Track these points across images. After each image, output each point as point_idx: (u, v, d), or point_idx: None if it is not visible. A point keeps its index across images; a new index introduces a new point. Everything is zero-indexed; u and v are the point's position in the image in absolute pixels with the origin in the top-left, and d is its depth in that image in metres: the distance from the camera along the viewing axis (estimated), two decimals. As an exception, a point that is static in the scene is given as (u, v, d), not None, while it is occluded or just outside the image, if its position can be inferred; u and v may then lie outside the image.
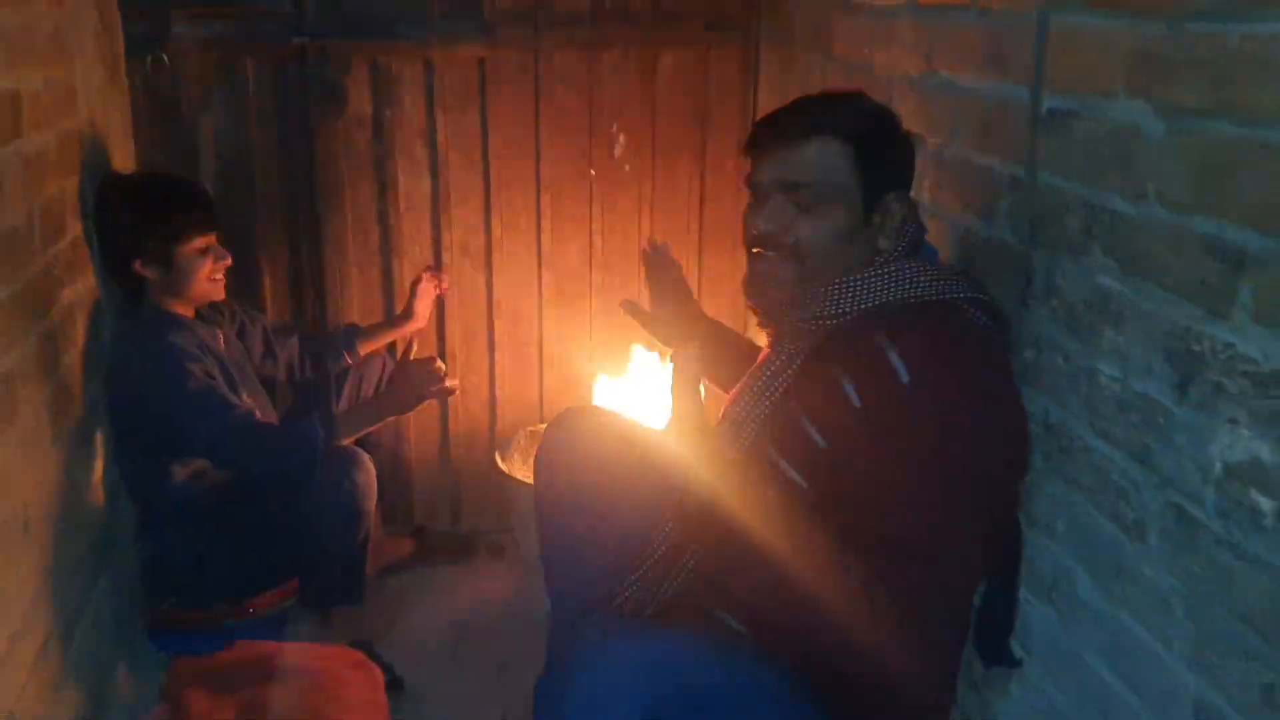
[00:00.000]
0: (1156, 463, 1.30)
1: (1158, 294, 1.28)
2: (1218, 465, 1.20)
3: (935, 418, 1.41)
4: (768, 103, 2.80)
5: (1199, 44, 1.19)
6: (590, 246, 2.92)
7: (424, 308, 2.71)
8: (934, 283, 1.51)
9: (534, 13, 2.71)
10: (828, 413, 1.48)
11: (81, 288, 2.14)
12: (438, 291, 2.75)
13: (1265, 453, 1.12)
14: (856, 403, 1.44)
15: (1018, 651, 1.66)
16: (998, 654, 1.66)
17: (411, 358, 2.44)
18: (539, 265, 2.91)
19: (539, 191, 2.85)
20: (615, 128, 2.84)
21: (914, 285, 1.50)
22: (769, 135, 1.60)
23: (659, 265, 2.04)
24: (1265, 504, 1.12)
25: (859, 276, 1.52)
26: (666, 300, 2.02)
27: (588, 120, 2.82)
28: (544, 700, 1.63)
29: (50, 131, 1.97)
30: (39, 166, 1.90)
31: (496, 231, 2.86)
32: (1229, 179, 1.16)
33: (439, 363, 2.40)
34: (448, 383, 2.37)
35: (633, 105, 2.84)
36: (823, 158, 1.54)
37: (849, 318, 1.51)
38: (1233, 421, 1.16)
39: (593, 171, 2.86)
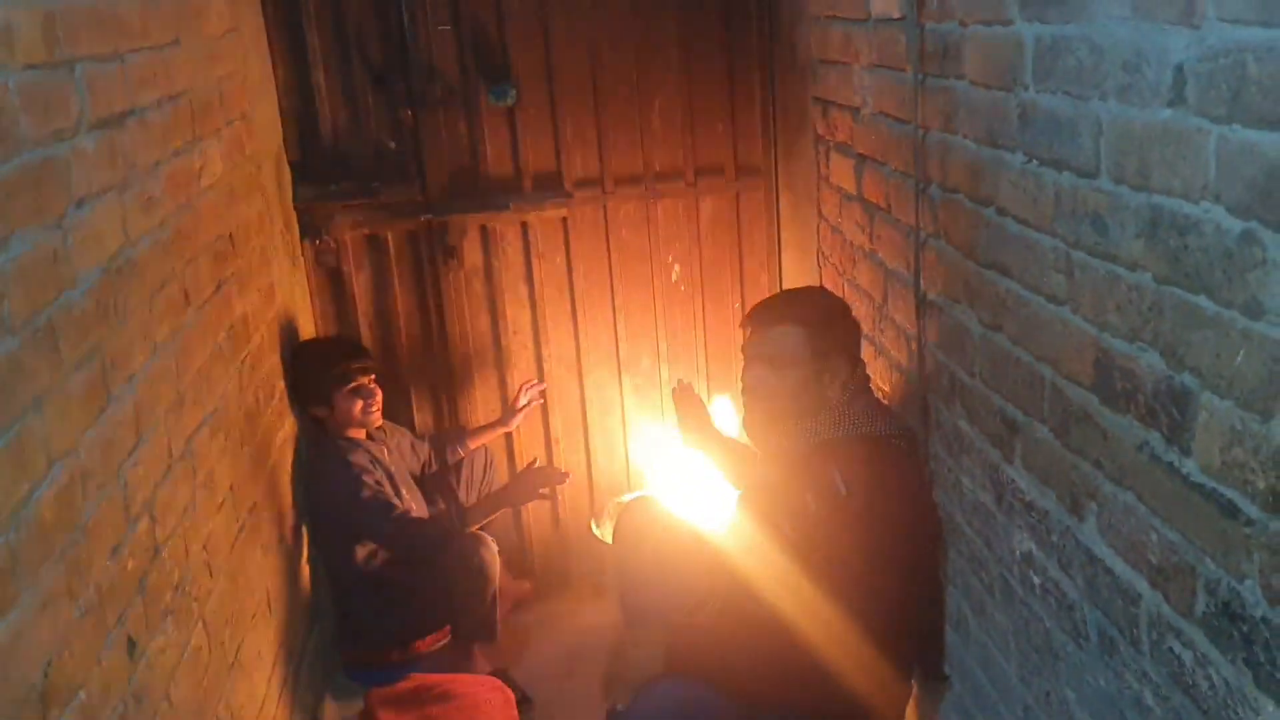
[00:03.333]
0: (992, 548, 2.01)
1: (981, 440, 2.00)
2: (1016, 552, 1.90)
3: (864, 517, 2.14)
4: (787, 229, 3.53)
5: (982, 293, 1.91)
6: (657, 351, 3.68)
7: (518, 413, 3.50)
8: (869, 423, 2.24)
9: (601, 179, 3.49)
10: (795, 510, 2.22)
11: (288, 427, 3.00)
12: (538, 399, 3.54)
13: (1034, 547, 1.82)
14: (813, 508, 2.17)
15: (947, 670, 2.37)
16: (937, 671, 2.37)
17: (532, 465, 3.26)
18: (619, 368, 3.68)
19: (614, 311, 3.62)
20: (670, 258, 3.61)
21: (855, 426, 2.23)
22: (753, 321, 2.35)
23: (684, 397, 2.79)
24: (1036, 578, 1.83)
25: (813, 423, 2.25)
26: (690, 422, 2.78)
27: (648, 255, 3.58)
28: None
29: (262, 326, 2.82)
30: (258, 355, 2.75)
31: (584, 345, 3.64)
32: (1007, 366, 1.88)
33: (555, 472, 3.16)
34: (549, 491, 3.12)
35: (683, 240, 3.59)
36: (784, 337, 2.28)
37: (810, 448, 2.24)
38: (1019, 527, 1.87)
39: (655, 294, 3.63)
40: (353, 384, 3.09)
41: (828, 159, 2.95)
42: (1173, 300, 1.31)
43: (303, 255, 3.38)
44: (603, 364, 3.68)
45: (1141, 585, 1.45)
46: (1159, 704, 1.44)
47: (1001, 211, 1.80)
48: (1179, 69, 1.25)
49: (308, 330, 3.36)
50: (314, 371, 3.09)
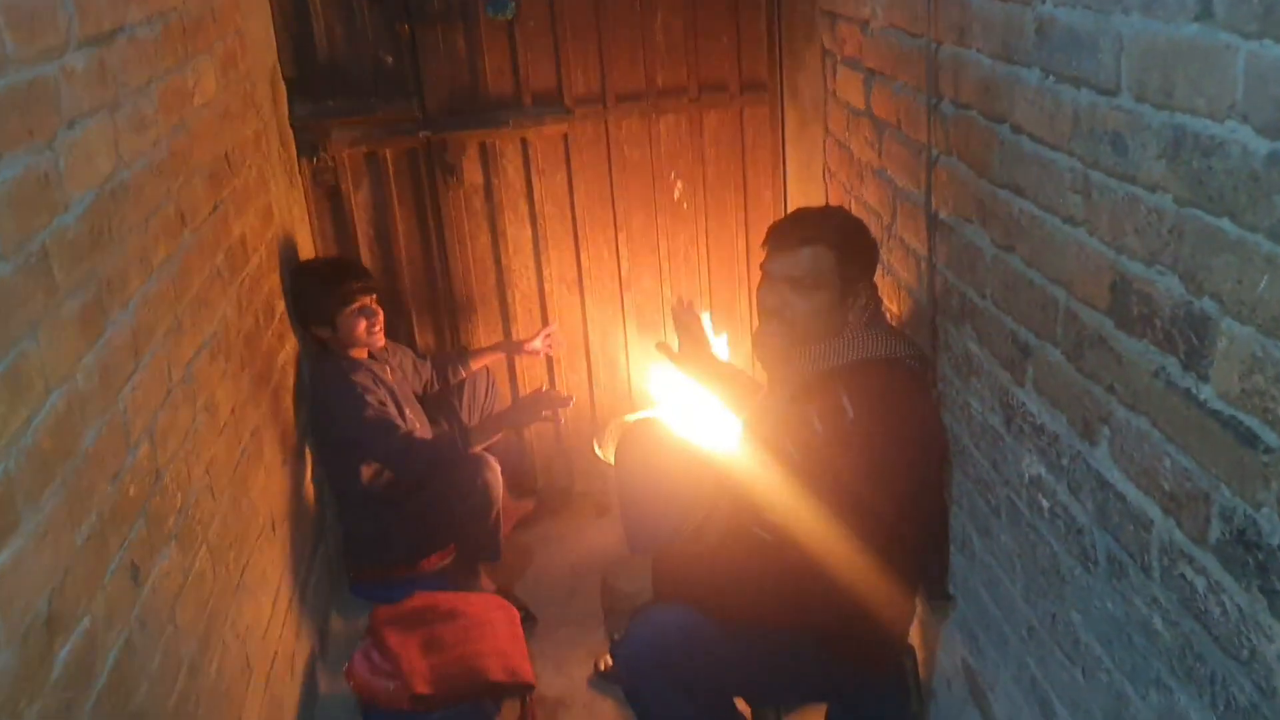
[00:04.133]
0: (1000, 470, 2.00)
1: (992, 362, 1.97)
2: (1025, 475, 1.89)
3: (870, 438, 2.12)
4: (792, 146, 3.46)
5: (994, 214, 1.87)
6: (660, 270, 3.64)
7: (524, 351, 3.49)
8: (882, 346, 2.20)
9: (602, 95, 3.42)
10: (801, 435, 2.20)
11: (289, 349, 2.98)
12: (548, 350, 3.53)
13: (1043, 471, 1.81)
14: (819, 431, 2.15)
15: (952, 589, 2.37)
16: (942, 591, 2.38)
17: (542, 390, 3.24)
18: (620, 288, 3.64)
19: (616, 230, 3.58)
20: (673, 175, 3.55)
21: (865, 349, 2.19)
22: (777, 240, 2.26)
23: (685, 318, 2.74)
24: (1044, 502, 1.82)
25: (826, 347, 2.21)
26: (689, 345, 2.74)
27: (651, 172, 3.53)
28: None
29: (261, 247, 2.78)
30: (257, 276, 2.71)
31: (585, 264, 3.60)
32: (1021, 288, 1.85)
33: (559, 396, 3.14)
34: (552, 414, 3.10)
35: (686, 156, 3.53)
36: (814, 259, 2.21)
37: (821, 373, 2.22)
38: (1029, 450, 1.86)
39: (657, 212, 3.58)
40: (356, 304, 3.06)
41: (835, 74, 2.88)
42: (1194, 223, 1.28)
43: (300, 174, 3.33)
44: (604, 284, 3.64)
45: (1154, 511, 1.44)
46: (1168, 629, 1.44)
47: (1016, 129, 1.76)
48: (1208, -20, 1.20)
49: (307, 250, 3.32)
50: (316, 292, 3.06)
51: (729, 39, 3.44)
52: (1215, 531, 1.30)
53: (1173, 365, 1.36)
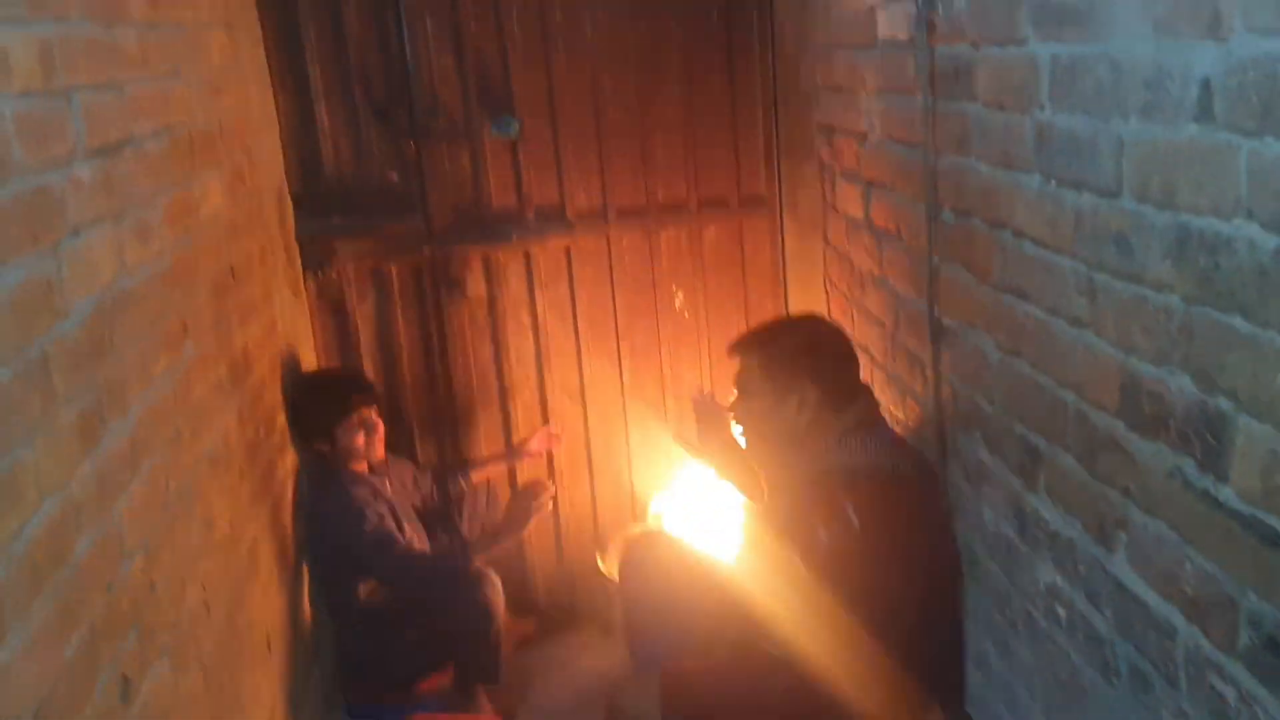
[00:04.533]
0: (1015, 581, 1.95)
1: (1002, 469, 1.94)
2: (1041, 585, 1.84)
3: (878, 550, 2.08)
4: (792, 257, 3.49)
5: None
6: (662, 380, 3.63)
7: (525, 454, 3.48)
8: (876, 455, 2.17)
9: (604, 209, 3.46)
10: (805, 544, 2.15)
11: (289, 462, 2.94)
12: (549, 446, 3.51)
13: (1060, 579, 1.76)
14: (825, 541, 2.11)
15: (968, 709, 2.30)
16: (958, 710, 2.31)
17: (520, 486, 3.20)
18: (623, 397, 3.63)
19: (618, 341, 3.58)
20: (674, 287, 3.57)
21: (852, 455, 2.15)
22: (731, 352, 2.33)
23: (706, 405, 2.71)
24: (1062, 612, 1.77)
25: (807, 451, 2.18)
26: (709, 432, 2.70)
27: (652, 284, 3.55)
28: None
29: (264, 359, 2.77)
30: (259, 388, 2.70)
31: (587, 374, 3.60)
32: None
33: (543, 482, 3.11)
34: (542, 502, 3.07)
35: (687, 269, 3.56)
36: (743, 368, 2.28)
37: (813, 477, 2.18)
38: (1044, 559, 1.81)
39: (659, 323, 3.58)
40: (355, 416, 3.04)
41: (833, 186, 2.91)
42: (1204, 321, 1.27)
43: (305, 288, 3.34)
44: (606, 394, 3.63)
45: (1177, 619, 1.40)
46: (1198, 743, 1.38)
47: (1019, 234, 1.76)
48: (1205, 84, 1.22)
49: (310, 363, 3.31)
50: (316, 404, 3.04)
51: (728, 154, 3.49)
52: (1244, 639, 1.26)
53: (1189, 466, 1.33)
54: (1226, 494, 1.26)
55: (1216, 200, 1.22)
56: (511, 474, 3.60)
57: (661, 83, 3.41)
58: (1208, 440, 1.29)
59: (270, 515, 2.66)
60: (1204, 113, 1.22)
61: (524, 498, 3.15)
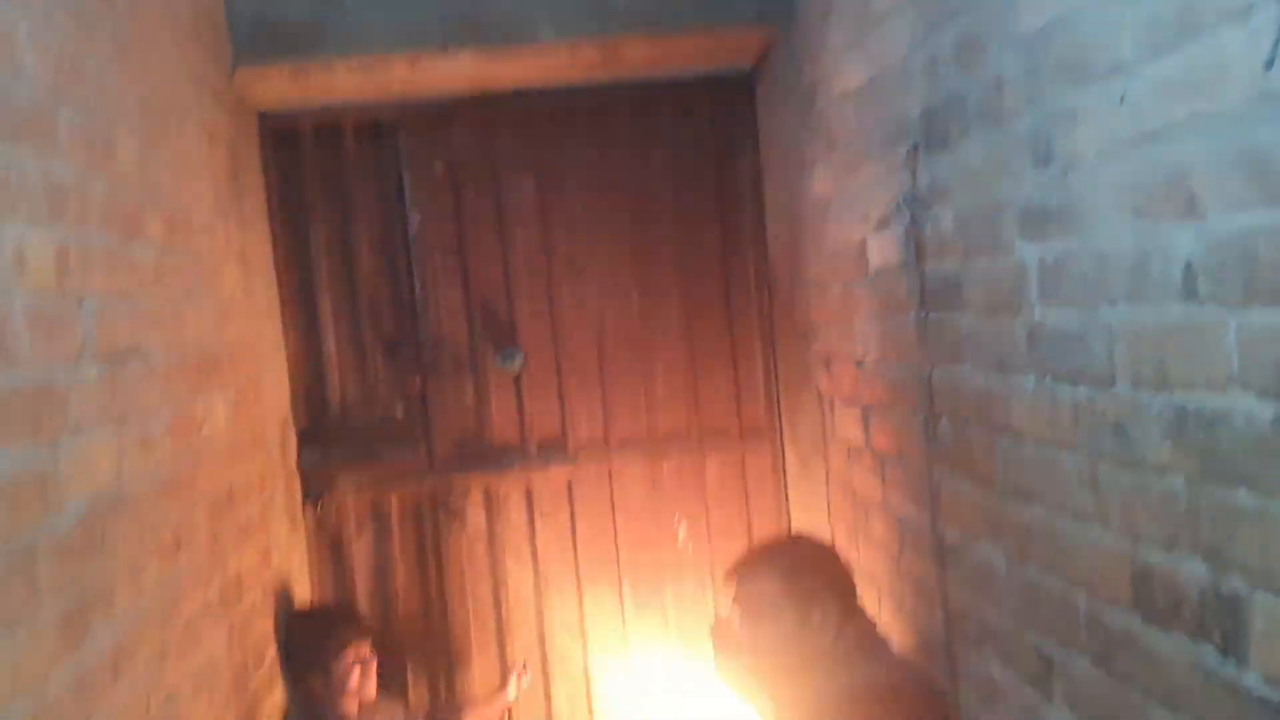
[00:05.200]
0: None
1: (1016, 683, 1.86)
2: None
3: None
4: (795, 488, 3.48)
5: (1003, 522, 1.84)
6: (665, 619, 3.54)
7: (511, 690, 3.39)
8: (879, 672, 2.10)
9: (605, 441, 3.48)
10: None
11: (277, 697, 2.83)
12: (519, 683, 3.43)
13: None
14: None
15: None
16: None
17: None
18: (625, 635, 3.53)
19: (620, 574, 3.51)
20: (677, 517, 3.54)
21: (864, 676, 2.09)
22: (731, 576, 2.29)
23: (725, 636, 2.60)
24: None
25: (812, 676, 2.11)
26: (731, 664, 2.58)
27: (654, 517, 3.52)
28: None
29: (257, 588, 2.72)
30: (250, 616, 2.63)
31: (588, 609, 3.51)
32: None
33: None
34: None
35: (690, 501, 3.54)
36: (758, 589, 2.20)
37: (825, 705, 2.09)
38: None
39: (661, 557, 3.53)
40: (351, 652, 2.94)
41: (833, 414, 2.94)
42: (1209, 499, 1.25)
43: (304, 519, 3.32)
44: (607, 630, 3.52)
45: (1208, 821, 1.31)
46: None
47: (1018, 436, 1.77)
48: (1188, 265, 1.25)
49: (304, 597, 3.24)
50: (311, 638, 2.94)
51: (728, 386, 3.55)
52: (1280, 835, 1.17)
53: (1209, 654, 1.28)
54: (1251, 679, 1.20)
55: (1209, 375, 1.23)
56: (507, 716, 3.45)
57: (662, 319, 3.51)
58: (1225, 623, 1.24)
59: (253, 753, 2.53)
60: (1189, 291, 1.25)
61: None
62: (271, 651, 2.83)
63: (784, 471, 3.53)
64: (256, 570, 2.71)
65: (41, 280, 1.51)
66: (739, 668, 2.46)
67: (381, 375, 3.39)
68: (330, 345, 3.33)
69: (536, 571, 3.49)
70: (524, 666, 3.43)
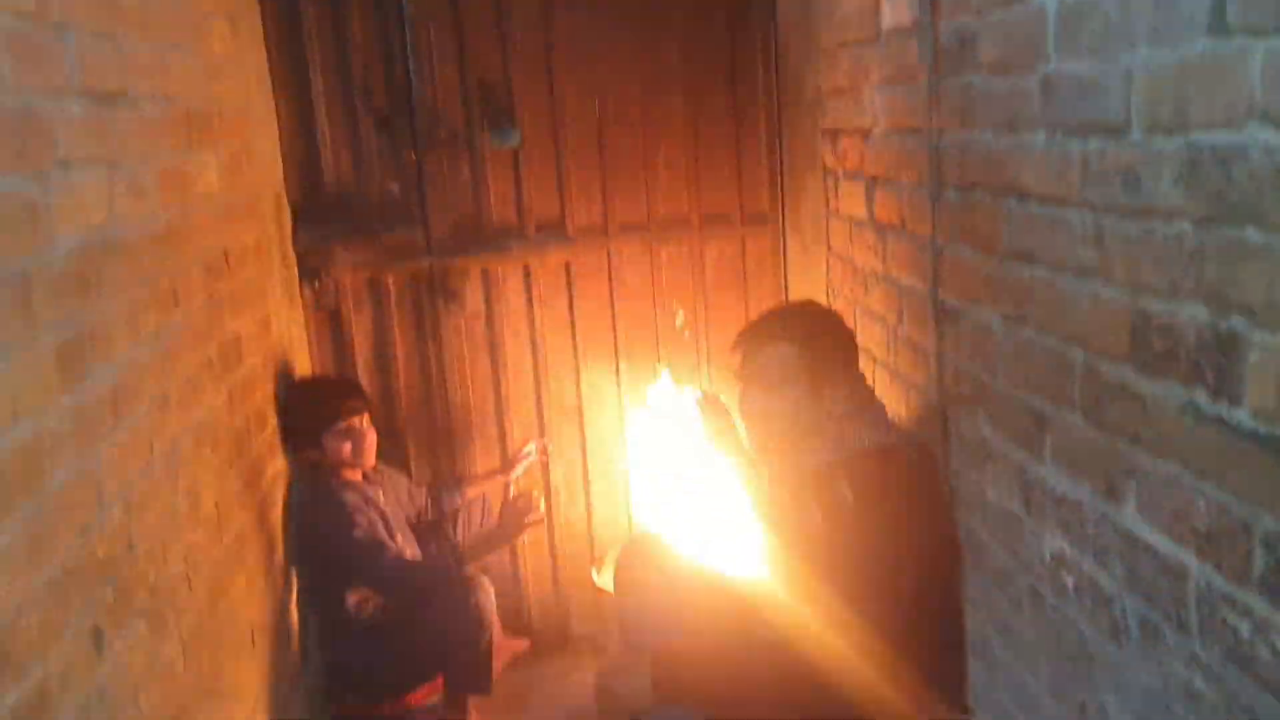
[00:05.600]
0: (1019, 557, 1.89)
1: (1007, 443, 1.90)
2: (1047, 555, 1.79)
3: (873, 525, 2.03)
4: (795, 274, 3.47)
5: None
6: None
7: (518, 464, 3.45)
8: (875, 435, 2.14)
9: (605, 224, 3.45)
10: (803, 530, 2.10)
11: (280, 464, 2.89)
12: (541, 456, 3.47)
13: (1066, 546, 1.71)
14: (822, 524, 2.06)
15: (970, 702, 2.22)
16: (960, 703, 2.23)
17: (511, 496, 3.14)
18: (621, 417, 3.58)
19: (617, 357, 3.54)
20: (675, 304, 3.54)
21: (859, 439, 2.13)
22: (741, 343, 2.26)
23: (711, 405, 2.64)
24: (1069, 579, 1.71)
25: (817, 440, 2.14)
26: (716, 431, 2.63)
27: (652, 301, 3.52)
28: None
29: (257, 354, 2.73)
30: (250, 381, 2.65)
31: (586, 392, 3.55)
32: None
33: (534, 495, 3.07)
34: (535, 515, 3.03)
35: (688, 286, 3.53)
36: (778, 357, 2.18)
37: (818, 467, 2.13)
38: (1050, 527, 1.76)
39: (659, 341, 3.55)
40: (342, 424, 2.98)
41: (836, 190, 2.90)
42: (1216, 240, 1.24)
43: (301, 296, 3.31)
44: (605, 413, 3.58)
45: (1188, 558, 1.34)
46: (1211, 687, 1.32)
47: (1024, 196, 1.74)
48: (1217, -9, 1.20)
49: (305, 371, 3.27)
50: (304, 411, 2.98)
51: (730, 171, 3.49)
52: (1259, 564, 1.20)
53: (1201, 396, 1.29)
54: (1240, 416, 1.22)
55: (1229, 112, 1.19)
56: (506, 490, 3.53)
57: (665, 96, 3.42)
58: (1220, 363, 1.24)
59: (258, 510, 2.60)
60: (1217, 21, 1.20)
61: (516, 508, 3.10)
62: (273, 419, 2.87)
63: (785, 258, 3.51)
64: (256, 336, 2.72)
65: (19, 4, 1.45)
66: (736, 436, 2.50)
67: (375, 152, 3.31)
68: (323, 119, 3.24)
69: (535, 352, 3.50)
70: (542, 437, 3.51)
